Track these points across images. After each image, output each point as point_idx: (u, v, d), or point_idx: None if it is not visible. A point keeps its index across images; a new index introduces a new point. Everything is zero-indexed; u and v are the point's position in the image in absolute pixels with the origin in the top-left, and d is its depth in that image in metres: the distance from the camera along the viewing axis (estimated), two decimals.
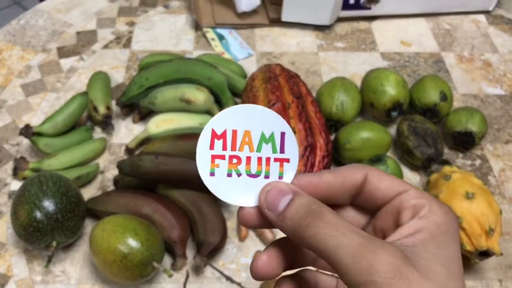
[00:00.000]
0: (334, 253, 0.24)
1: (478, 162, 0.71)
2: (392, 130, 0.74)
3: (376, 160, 0.64)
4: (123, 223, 0.54)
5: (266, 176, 0.28)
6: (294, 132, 0.60)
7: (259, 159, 0.28)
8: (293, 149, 0.29)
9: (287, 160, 0.28)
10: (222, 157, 0.28)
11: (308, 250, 0.27)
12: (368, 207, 0.29)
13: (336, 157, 0.69)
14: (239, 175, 0.28)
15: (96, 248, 0.54)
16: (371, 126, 0.68)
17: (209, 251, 0.57)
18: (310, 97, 0.66)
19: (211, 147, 0.28)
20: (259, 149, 0.28)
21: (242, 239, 0.61)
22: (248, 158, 0.28)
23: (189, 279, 0.57)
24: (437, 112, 0.72)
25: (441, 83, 0.74)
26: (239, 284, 0.53)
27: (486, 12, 0.96)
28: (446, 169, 0.62)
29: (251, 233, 0.62)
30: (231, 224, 0.63)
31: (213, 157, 0.28)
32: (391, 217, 0.27)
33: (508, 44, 0.90)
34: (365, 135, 0.67)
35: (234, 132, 0.28)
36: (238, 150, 0.28)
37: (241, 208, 0.29)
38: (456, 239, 0.26)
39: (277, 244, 0.29)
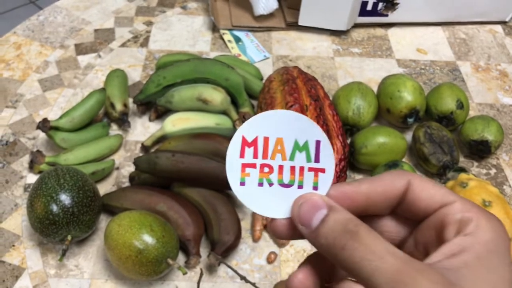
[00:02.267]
0: (370, 278, 0.23)
1: (493, 171, 0.71)
2: (408, 136, 0.74)
3: (392, 165, 0.64)
4: (139, 219, 0.54)
5: (300, 186, 0.27)
6: None
7: (292, 168, 0.27)
8: (329, 159, 0.27)
9: (322, 170, 0.27)
10: (253, 165, 0.27)
11: None
12: (410, 218, 0.27)
13: (351, 161, 0.69)
14: (270, 184, 0.27)
15: (112, 243, 0.54)
16: (387, 131, 0.68)
17: (223, 250, 0.57)
18: (328, 101, 0.66)
19: (242, 155, 0.27)
20: (292, 158, 0.27)
21: (256, 240, 0.61)
22: (281, 167, 0.27)
23: (202, 278, 0.57)
24: (453, 120, 0.72)
25: (457, 91, 0.73)
26: (253, 284, 0.52)
27: (503, 23, 0.96)
28: (463, 176, 0.62)
29: (265, 234, 0.62)
30: (245, 224, 0.63)
31: (244, 165, 0.27)
32: (434, 231, 0.25)
33: None
34: (381, 140, 0.67)
35: (266, 139, 0.27)
36: (270, 159, 0.27)
37: (273, 219, 0.28)
38: (507, 260, 0.23)
39: (312, 260, 0.28)
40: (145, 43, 0.87)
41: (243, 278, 0.52)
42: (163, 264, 0.54)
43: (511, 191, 0.69)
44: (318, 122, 0.60)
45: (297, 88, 0.65)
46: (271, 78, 0.69)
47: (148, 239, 0.53)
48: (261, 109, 0.66)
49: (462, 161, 0.72)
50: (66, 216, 0.55)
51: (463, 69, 0.87)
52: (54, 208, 0.55)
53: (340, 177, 0.60)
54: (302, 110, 0.62)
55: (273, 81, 0.68)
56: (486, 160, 0.72)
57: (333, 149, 0.60)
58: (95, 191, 0.59)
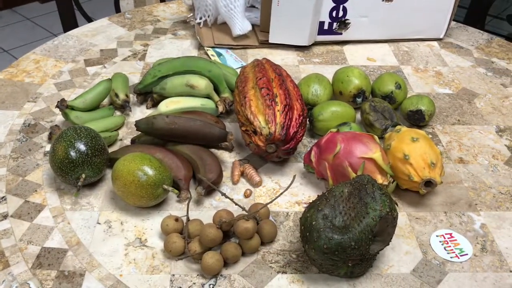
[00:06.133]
0: None
1: (429, 136, 0.87)
2: (357, 116, 0.90)
3: (342, 124, 0.80)
4: (140, 155, 0.69)
5: None
6: (276, 96, 0.76)
7: None
8: None
9: None
10: None
11: None
12: None
13: (311, 129, 0.85)
14: None
15: (118, 173, 0.68)
16: (338, 103, 0.84)
17: (208, 185, 0.71)
18: (289, 78, 0.83)
19: None
20: None
21: (235, 182, 0.75)
22: None
23: (191, 208, 0.70)
24: (394, 98, 0.89)
25: (396, 77, 0.91)
26: (231, 199, 0.66)
27: (438, 39, 1.17)
28: (397, 127, 0.77)
29: (242, 179, 0.76)
30: (226, 174, 0.77)
31: None
32: None
33: (456, 61, 1.09)
34: (334, 108, 0.83)
35: None
36: None
37: None
38: None
39: None
40: (142, 58, 1.05)
41: (223, 194, 0.66)
42: (159, 189, 0.67)
43: (444, 149, 0.84)
44: (281, 88, 0.77)
45: (264, 68, 0.82)
46: (244, 67, 0.87)
47: (148, 168, 0.67)
48: (237, 88, 0.83)
49: None
50: (82, 156, 0.69)
51: (405, 71, 1.05)
52: (73, 150, 0.69)
53: (299, 129, 0.75)
54: (269, 81, 0.78)
55: (246, 67, 0.85)
56: (424, 129, 0.88)
57: (294, 107, 0.76)
58: (104, 144, 0.73)
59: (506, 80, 1.03)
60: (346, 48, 1.13)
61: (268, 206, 0.71)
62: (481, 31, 1.22)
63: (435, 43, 1.16)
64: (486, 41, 1.18)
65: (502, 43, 1.17)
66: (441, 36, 1.16)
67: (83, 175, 0.70)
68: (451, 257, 0.65)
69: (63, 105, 0.81)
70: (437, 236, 0.69)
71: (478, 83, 1.02)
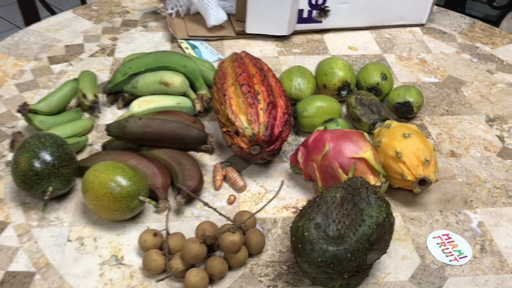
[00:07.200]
0: None
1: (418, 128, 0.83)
2: (343, 109, 0.85)
3: (329, 120, 0.75)
4: (113, 164, 0.63)
5: None
6: (259, 93, 0.70)
7: None
8: None
9: None
10: None
11: None
12: None
13: (295, 125, 0.80)
14: None
15: (89, 185, 0.61)
16: (324, 98, 0.80)
17: (188, 193, 0.65)
18: (271, 73, 0.77)
19: None
20: None
21: (217, 188, 0.70)
22: None
23: (170, 219, 0.65)
24: (380, 90, 0.85)
25: (382, 67, 0.87)
26: (215, 209, 0.60)
27: (421, 25, 1.13)
28: (387, 122, 0.73)
29: (225, 184, 0.71)
30: (207, 178, 0.72)
31: None
32: None
33: (440, 47, 1.05)
34: (319, 103, 0.78)
35: None
36: None
37: None
38: None
39: None
40: (111, 53, 0.98)
41: (205, 204, 0.60)
42: (135, 200, 0.62)
43: (434, 142, 0.81)
44: (263, 85, 0.71)
45: (244, 63, 0.76)
46: (222, 61, 0.81)
47: (121, 178, 0.61)
48: (215, 85, 0.77)
49: None
50: (47, 167, 0.63)
51: (389, 59, 1.01)
52: (37, 161, 0.62)
53: (284, 128, 0.70)
54: (249, 77, 0.73)
55: (225, 62, 0.79)
56: (412, 121, 0.84)
57: (277, 104, 0.71)
58: (72, 152, 0.67)
59: (492, 66, 1.00)
60: (327, 37, 1.07)
61: None
62: (463, 15, 1.19)
63: (417, 29, 1.12)
64: (468, 25, 1.15)
65: (484, 27, 1.14)
66: (424, 22, 1.12)
67: (50, 188, 0.63)
68: (450, 260, 0.62)
69: (25, 109, 0.74)
70: (434, 237, 0.65)
71: (464, 70, 0.98)
